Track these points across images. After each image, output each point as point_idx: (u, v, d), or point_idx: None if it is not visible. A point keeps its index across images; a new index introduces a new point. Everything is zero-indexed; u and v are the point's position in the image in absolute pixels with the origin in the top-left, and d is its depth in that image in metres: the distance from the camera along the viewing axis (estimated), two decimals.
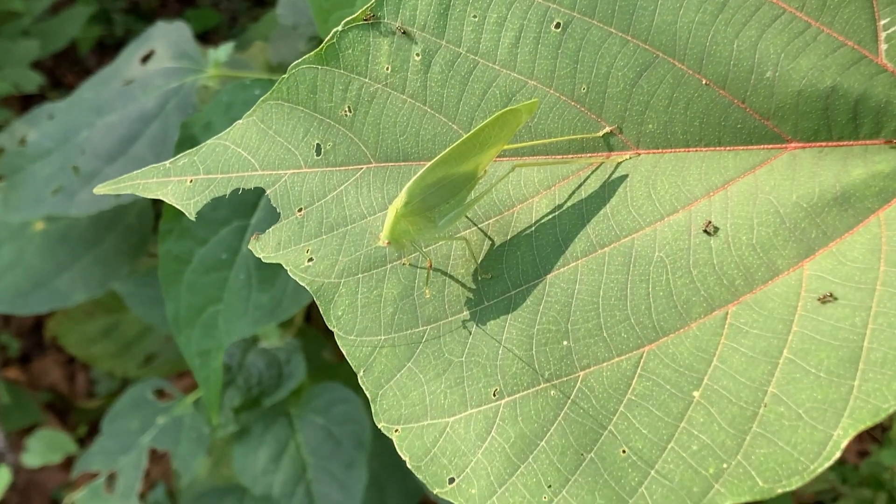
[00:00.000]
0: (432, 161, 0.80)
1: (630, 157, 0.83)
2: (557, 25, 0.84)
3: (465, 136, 0.79)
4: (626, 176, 0.82)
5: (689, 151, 0.83)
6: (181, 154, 0.92)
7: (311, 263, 0.88)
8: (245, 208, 1.53)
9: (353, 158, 0.89)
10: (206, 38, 3.55)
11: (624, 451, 0.77)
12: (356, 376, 0.80)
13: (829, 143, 0.80)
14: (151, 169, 0.93)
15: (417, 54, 0.87)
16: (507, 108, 0.79)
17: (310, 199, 0.90)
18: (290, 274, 0.89)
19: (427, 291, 0.84)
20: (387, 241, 0.82)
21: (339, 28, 0.87)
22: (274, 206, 0.92)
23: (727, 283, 0.78)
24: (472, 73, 0.87)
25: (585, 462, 0.79)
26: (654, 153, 0.84)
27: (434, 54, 0.86)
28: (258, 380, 1.92)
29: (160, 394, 2.17)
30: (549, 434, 0.80)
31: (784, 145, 0.81)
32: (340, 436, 1.88)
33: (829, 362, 0.73)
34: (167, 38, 1.88)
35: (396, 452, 0.81)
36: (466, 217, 0.85)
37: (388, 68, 0.88)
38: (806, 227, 0.78)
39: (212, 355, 1.56)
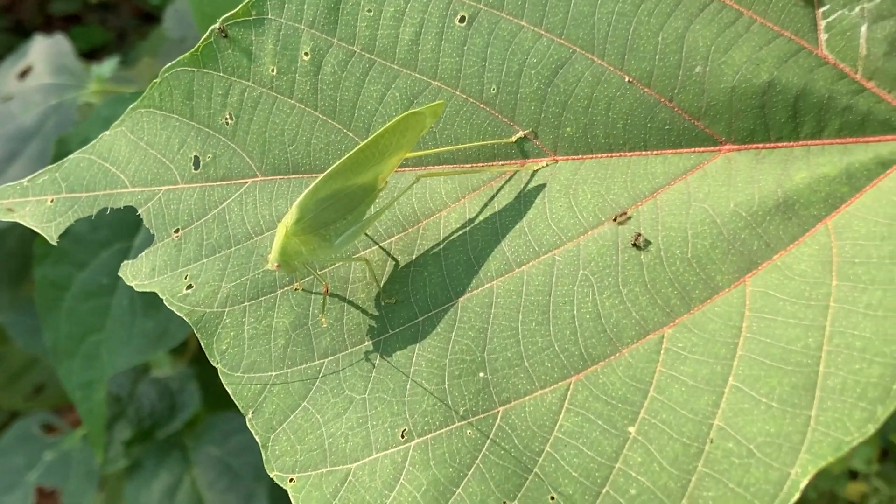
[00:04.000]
0: (326, 172, 0.68)
1: (547, 165, 0.71)
2: (462, 19, 0.72)
3: (362, 144, 0.68)
4: (544, 185, 0.70)
5: (612, 157, 0.71)
6: (42, 170, 0.80)
7: (189, 291, 0.75)
8: (127, 229, 1.35)
9: (237, 171, 0.77)
10: (94, 56, 3.34)
11: (553, 498, 0.65)
12: None
13: (767, 145, 0.69)
14: (6, 188, 0.80)
15: (306, 54, 0.75)
16: (409, 112, 0.68)
17: (188, 218, 0.77)
18: (166, 304, 0.76)
19: (323, 320, 0.72)
20: (276, 264, 0.70)
21: (217, 25, 0.74)
22: (147, 227, 0.79)
23: (661, 303, 0.66)
24: (369, 74, 0.74)
25: None
26: (573, 159, 0.72)
27: (325, 54, 0.74)
28: (150, 411, 1.73)
29: (48, 428, 1.95)
30: (465, 480, 0.67)
31: (717, 148, 0.69)
32: (239, 468, 1.69)
33: (780, 390, 0.61)
34: (46, 52, 1.69)
35: None
36: (366, 235, 0.73)
37: (273, 70, 0.75)
38: (746, 237, 0.66)
39: (94, 387, 1.38)
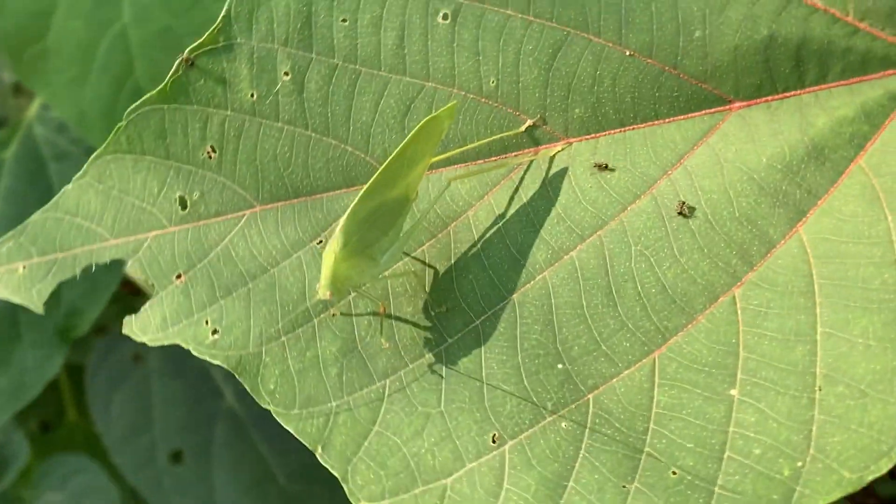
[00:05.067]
0: (360, 192, 0.60)
1: (562, 148, 0.64)
2: (445, 16, 0.64)
3: (389, 158, 0.60)
4: (566, 169, 0.63)
5: (626, 131, 0.64)
6: (2, 238, 0.68)
7: (217, 336, 0.65)
8: None
9: (231, 205, 0.67)
10: None
11: (674, 473, 0.58)
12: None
13: (776, 97, 0.63)
14: None
15: (286, 73, 0.65)
16: (427, 118, 0.60)
17: (188, 261, 0.67)
18: (195, 353, 0.65)
19: (384, 341, 0.63)
20: (329, 293, 0.60)
21: (185, 56, 0.64)
22: (142, 278, 0.67)
23: (723, 266, 0.60)
24: (357, 85, 0.65)
25: (631, 495, 0.58)
26: (588, 139, 0.64)
27: (306, 71, 0.65)
28: None
29: None
30: (575, 472, 0.59)
31: (728, 107, 0.63)
32: None
33: (873, 329, 0.56)
34: None
35: None
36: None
37: (252, 95, 0.65)
38: (787, 188, 0.61)
39: None
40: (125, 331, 0.64)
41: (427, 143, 0.61)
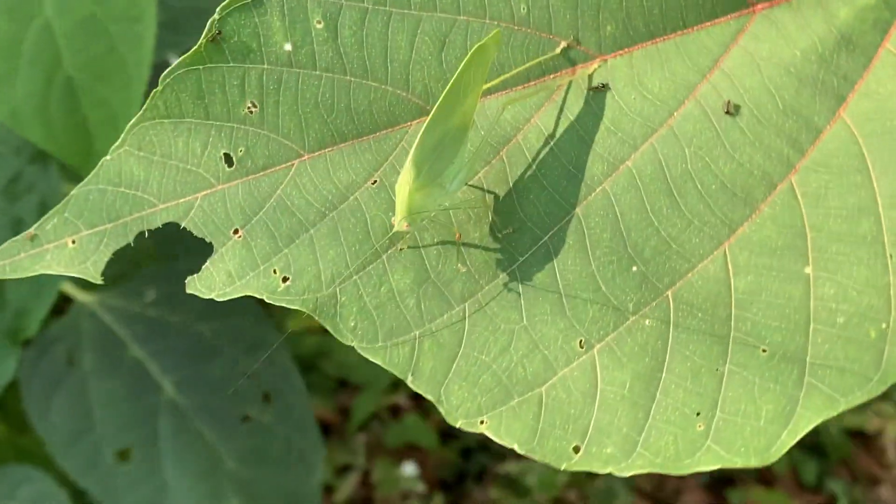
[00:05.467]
0: (425, 124, 0.59)
1: (598, 66, 0.63)
2: None
3: (447, 88, 0.59)
4: (606, 84, 0.62)
5: (657, 43, 0.63)
6: (42, 219, 0.64)
7: (288, 283, 0.63)
8: None
9: (278, 157, 0.64)
10: None
11: (764, 351, 0.58)
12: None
13: None
14: (10, 246, 0.63)
15: (318, 22, 0.62)
16: (476, 46, 0.59)
17: (243, 216, 0.63)
18: (269, 301, 0.62)
19: (460, 266, 0.62)
20: (406, 224, 0.59)
21: (216, 16, 0.61)
22: (199, 237, 0.63)
23: (776, 156, 0.60)
24: (390, 26, 0.62)
25: (726, 376, 0.58)
26: (622, 54, 0.63)
27: (338, 17, 0.62)
28: None
29: None
30: (666, 363, 0.59)
31: (751, 9, 0.62)
32: None
33: None
34: None
35: None
36: None
37: (288, 46, 0.62)
38: (824, 77, 0.60)
39: None
40: (189, 290, 0.62)
41: (478, 71, 0.60)
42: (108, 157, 0.63)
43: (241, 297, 0.63)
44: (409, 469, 2.49)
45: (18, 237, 0.63)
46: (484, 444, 2.55)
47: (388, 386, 2.51)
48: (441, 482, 2.50)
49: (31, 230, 0.63)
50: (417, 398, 2.58)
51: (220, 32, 0.62)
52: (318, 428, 1.42)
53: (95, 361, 1.39)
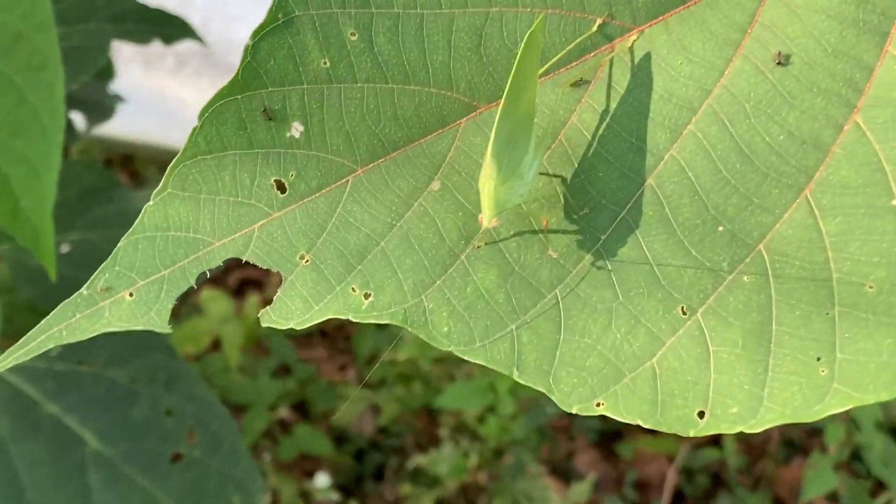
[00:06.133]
0: (496, 118, 0.58)
1: (637, 37, 0.61)
2: None
3: (510, 79, 0.57)
4: (649, 53, 0.61)
5: (689, 7, 0.61)
6: (93, 276, 0.60)
7: (372, 299, 0.60)
8: None
9: (332, 175, 0.61)
10: None
11: (871, 287, 0.57)
12: None
13: None
14: (66, 307, 0.60)
15: (352, 34, 0.60)
16: (528, 33, 0.58)
17: (307, 240, 0.61)
18: (354, 320, 0.60)
19: (552, 252, 0.60)
20: (495, 220, 0.58)
21: (249, 42, 0.59)
22: (264, 268, 0.61)
23: (836, 99, 0.58)
24: (424, 28, 0.60)
25: (837, 318, 0.57)
26: (657, 22, 0.61)
27: (371, 27, 0.60)
28: None
29: None
30: (774, 315, 0.58)
31: None
32: None
33: None
34: None
35: None
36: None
37: (325, 63, 0.60)
38: (864, 17, 0.59)
39: None
40: (265, 323, 0.59)
41: (533, 59, 0.59)
42: (150, 203, 0.60)
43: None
44: (321, 480, 2.45)
45: (71, 299, 0.59)
46: (376, 442, 2.53)
47: (272, 401, 2.46)
48: (343, 487, 2.47)
49: (84, 291, 0.59)
50: (302, 409, 2.55)
51: (258, 48, 0.59)
52: (249, 454, 1.38)
53: (11, 425, 1.33)
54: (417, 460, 2.49)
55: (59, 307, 0.60)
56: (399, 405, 2.57)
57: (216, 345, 2.52)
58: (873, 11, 0.60)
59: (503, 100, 0.58)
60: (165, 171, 0.61)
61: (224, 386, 2.38)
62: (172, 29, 1.65)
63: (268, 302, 0.61)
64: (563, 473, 2.57)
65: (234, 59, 0.61)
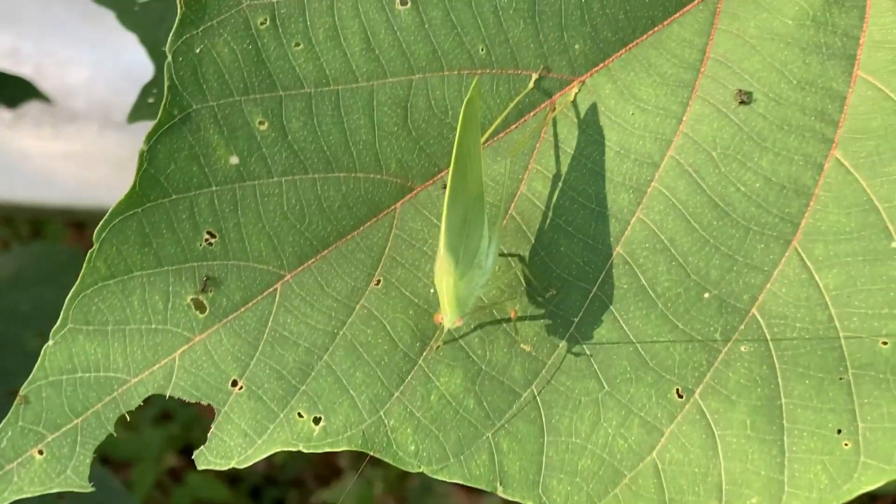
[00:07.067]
0: (445, 205, 0.50)
1: (578, 89, 0.53)
2: (403, 1, 0.52)
3: (453, 158, 0.50)
4: (595, 105, 0.53)
5: (631, 48, 0.53)
6: None
7: (323, 424, 0.51)
8: None
9: (257, 285, 0.53)
10: None
11: (885, 343, 0.49)
12: None
13: None
14: None
15: (261, 122, 0.52)
16: (464, 104, 0.49)
17: (238, 364, 0.52)
18: (307, 451, 0.51)
19: (524, 346, 0.52)
20: (459, 319, 0.49)
21: (143, 147, 0.50)
22: (191, 402, 0.51)
23: (809, 135, 0.51)
24: (340, 107, 0.52)
25: (852, 382, 0.49)
26: (598, 70, 0.54)
27: (281, 112, 0.52)
28: None
29: None
30: (782, 388, 0.50)
31: None
32: None
33: None
34: None
35: None
36: None
37: (234, 159, 0.51)
38: (826, 40, 0.52)
39: None
40: (201, 465, 0.51)
41: (473, 129, 0.51)
42: (49, 343, 0.52)
43: None
44: None
45: None
46: (271, 476, 2.43)
47: (158, 453, 2.35)
48: None
49: None
50: (189, 452, 2.42)
51: (155, 151, 0.49)
52: None
53: None
54: (322, 496, 2.38)
55: None
56: None
57: None
58: (834, 33, 0.53)
59: (449, 182, 0.50)
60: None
61: (105, 443, 2.24)
62: (15, 91, 1.53)
63: None
64: (473, 488, 2.48)
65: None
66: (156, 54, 0.97)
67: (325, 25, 0.52)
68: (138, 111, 0.96)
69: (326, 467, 2.48)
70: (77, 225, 2.33)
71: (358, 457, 0.48)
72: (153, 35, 0.97)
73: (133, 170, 0.52)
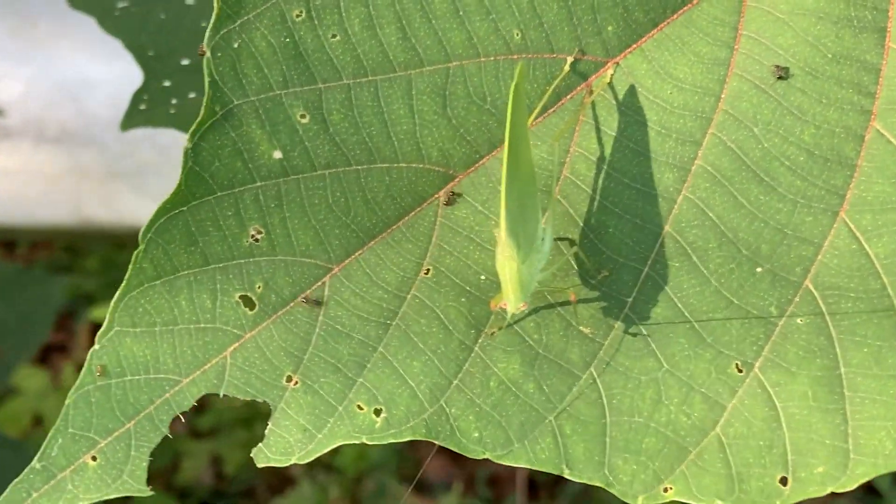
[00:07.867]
0: (502, 189, 0.48)
1: (613, 71, 0.52)
2: None
3: (505, 142, 0.48)
4: (633, 86, 0.52)
5: (663, 28, 0.52)
6: (43, 445, 0.49)
7: (385, 416, 0.50)
8: None
9: (306, 280, 0.51)
10: None
11: None
12: None
13: None
14: (18, 487, 0.48)
15: (302, 115, 0.50)
16: (511, 88, 0.48)
17: (292, 359, 0.50)
18: (370, 442, 0.49)
19: (584, 329, 0.51)
20: (523, 304, 0.48)
21: (188, 144, 0.49)
22: (244, 399, 0.50)
23: (848, 108, 0.50)
24: (380, 97, 0.51)
25: None
26: (632, 51, 0.52)
27: (321, 104, 0.50)
28: None
29: None
30: (841, 358, 0.49)
31: None
32: None
33: None
34: None
35: None
36: None
37: (277, 154, 0.50)
38: (856, 13, 0.50)
39: None
40: (260, 463, 0.50)
41: (522, 113, 0.50)
42: (96, 347, 0.50)
43: None
44: None
45: (22, 476, 0.49)
46: (220, 490, 2.39)
47: None
48: None
49: (35, 464, 0.49)
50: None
51: (199, 149, 0.48)
52: None
53: None
54: (278, 503, 2.35)
55: (9, 488, 0.49)
56: (244, 451, 2.40)
57: (38, 421, 2.33)
58: (864, 6, 0.53)
59: (504, 166, 0.49)
60: None
61: None
62: None
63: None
64: (428, 487, 2.45)
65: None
66: (142, 59, 0.94)
67: (360, 16, 0.51)
68: (131, 118, 0.94)
69: (276, 476, 2.44)
70: (8, 244, 2.27)
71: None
72: (137, 39, 0.94)
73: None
